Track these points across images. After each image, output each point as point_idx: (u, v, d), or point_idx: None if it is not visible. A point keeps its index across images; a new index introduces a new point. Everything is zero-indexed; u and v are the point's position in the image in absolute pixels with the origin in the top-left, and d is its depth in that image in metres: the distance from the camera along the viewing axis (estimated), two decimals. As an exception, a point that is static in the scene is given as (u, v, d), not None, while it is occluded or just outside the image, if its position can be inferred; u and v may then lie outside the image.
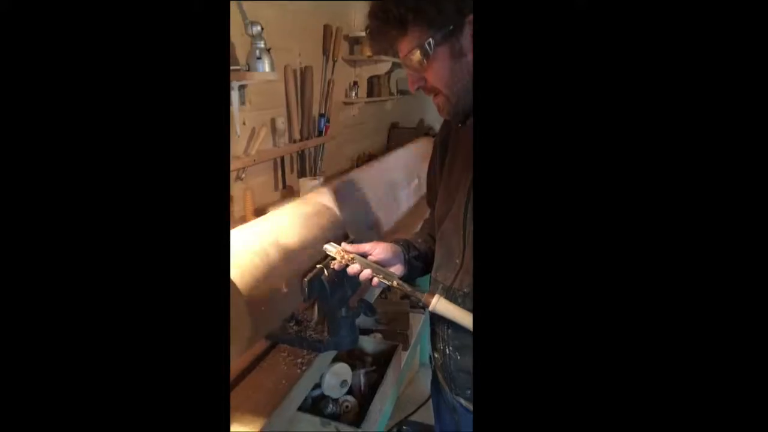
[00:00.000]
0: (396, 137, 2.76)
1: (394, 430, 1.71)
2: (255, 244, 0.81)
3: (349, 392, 1.28)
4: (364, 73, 2.29)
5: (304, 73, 1.76)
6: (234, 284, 0.70)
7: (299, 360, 0.87)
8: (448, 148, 0.82)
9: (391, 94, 2.62)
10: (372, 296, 1.18)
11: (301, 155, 1.81)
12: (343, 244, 0.82)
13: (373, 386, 1.30)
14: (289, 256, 0.83)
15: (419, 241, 0.89)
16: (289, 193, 1.74)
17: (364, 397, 1.29)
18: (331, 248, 0.81)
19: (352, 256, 0.78)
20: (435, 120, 3.04)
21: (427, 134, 2.50)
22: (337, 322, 0.89)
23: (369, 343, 1.47)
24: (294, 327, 0.92)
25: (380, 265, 0.79)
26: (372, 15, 0.65)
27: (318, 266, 0.83)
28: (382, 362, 1.39)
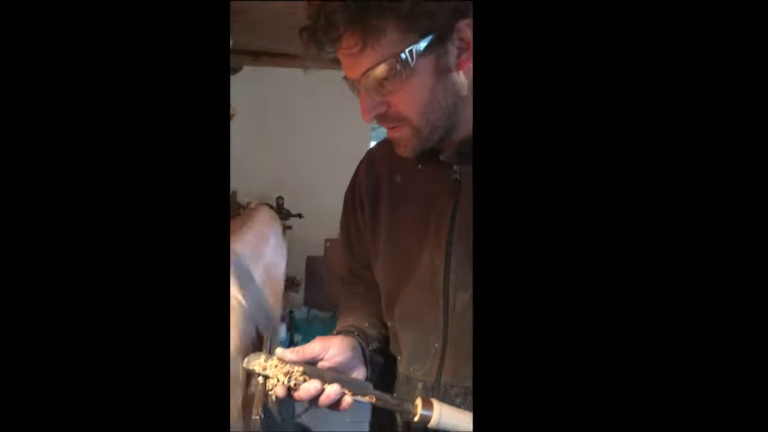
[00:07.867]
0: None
1: None
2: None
3: None
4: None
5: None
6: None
7: None
8: (384, 197, 0.63)
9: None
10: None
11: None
12: (278, 351, 0.52)
13: None
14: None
15: (366, 324, 0.64)
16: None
17: None
18: (257, 362, 0.52)
19: (299, 368, 0.51)
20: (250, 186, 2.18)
21: (269, 205, 1.89)
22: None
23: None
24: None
25: (339, 373, 0.54)
26: (326, 16, 0.46)
27: (256, 393, 0.53)
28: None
